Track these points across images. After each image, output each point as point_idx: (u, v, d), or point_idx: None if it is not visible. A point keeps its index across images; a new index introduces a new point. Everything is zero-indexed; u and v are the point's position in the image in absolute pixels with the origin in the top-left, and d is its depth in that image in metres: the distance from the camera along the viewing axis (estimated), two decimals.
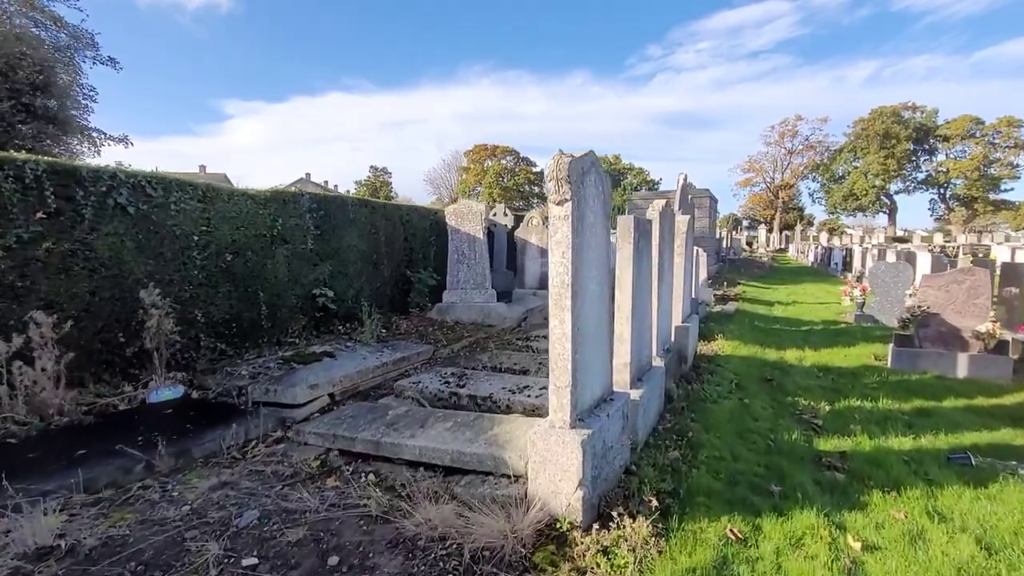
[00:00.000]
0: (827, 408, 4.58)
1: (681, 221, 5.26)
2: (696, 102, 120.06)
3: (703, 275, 11.09)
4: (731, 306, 10.36)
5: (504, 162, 64.85)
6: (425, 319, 7.95)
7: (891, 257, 14.52)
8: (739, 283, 15.93)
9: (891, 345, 6.43)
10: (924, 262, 11.28)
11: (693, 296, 8.11)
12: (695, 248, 8.52)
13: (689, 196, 7.11)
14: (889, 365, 6.32)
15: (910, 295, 9.75)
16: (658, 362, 4.09)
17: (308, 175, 66.59)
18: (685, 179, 6.88)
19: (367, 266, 7.45)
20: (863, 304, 9.73)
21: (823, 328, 8.83)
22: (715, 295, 11.81)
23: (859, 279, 17.47)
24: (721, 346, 6.48)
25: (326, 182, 68.23)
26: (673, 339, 4.92)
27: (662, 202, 4.27)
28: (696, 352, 5.81)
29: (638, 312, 3.51)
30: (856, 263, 18.95)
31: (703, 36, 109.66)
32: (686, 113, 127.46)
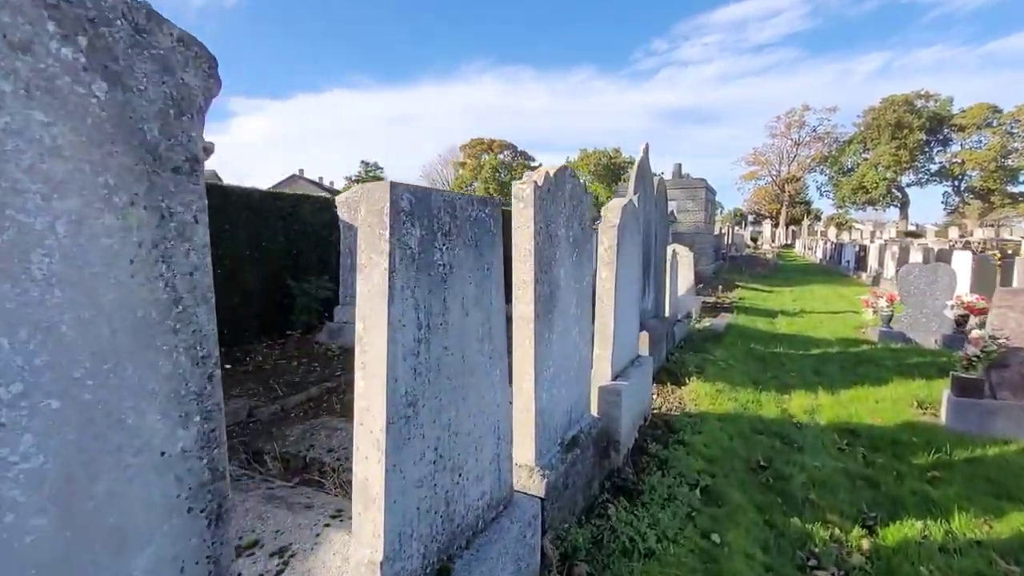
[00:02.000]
0: (864, 544, 2.53)
1: (612, 208, 3.19)
2: (701, 96, 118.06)
3: (687, 281, 9.02)
4: (722, 320, 8.29)
5: (501, 157, 62.91)
6: (308, 344, 5.95)
7: (916, 256, 12.38)
8: (737, 285, 13.83)
9: (946, 392, 4.37)
10: (963, 264, 9.15)
11: (667, 314, 6.05)
12: (670, 249, 6.46)
13: (654, 177, 5.03)
14: (944, 422, 4.26)
15: (952, 307, 7.66)
16: (532, 482, 2.06)
17: (301, 171, 64.89)
18: (646, 151, 4.81)
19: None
20: (890, 317, 7.64)
21: (840, 352, 6.74)
22: (704, 304, 9.72)
23: (876, 280, 15.37)
24: (695, 394, 4.42)
25: (321, 178, 66.50)
26: (595, 410, 2.88)
27: (550, 169, 2.22)
28: (648, 417, 3.73)
29: (434, 417, 1.47)
30: (871, 261, 16.78)
31: (709, 29, 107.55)
32: (690, 108, 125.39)
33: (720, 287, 12.66)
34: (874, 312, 7.93)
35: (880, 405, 4.67)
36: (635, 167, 4.64)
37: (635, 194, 4.52)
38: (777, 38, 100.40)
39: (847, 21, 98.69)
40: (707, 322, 8.11)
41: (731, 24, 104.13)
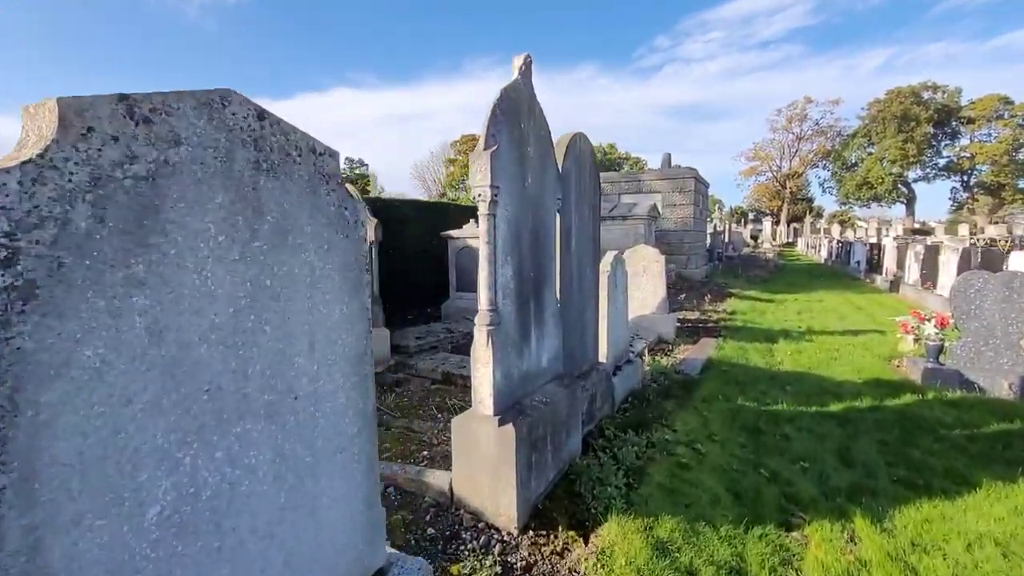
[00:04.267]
0: None
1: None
2: (704, 93, 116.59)
3: (656, 295, 6.73)
4: (702, 350, 5.99)
5: None
6: None
7: (950, 256, 10.05)
8: (731, 293, 11.54)
9: None
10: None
11: (603, 359, 3.79)
12: (611, 256, 4.19)
13: (568, 137, 2.64)
14: None
15: None
16: None
17: None
18: (526, 69, 2.50)
19: None
20: (940, 349, 5.34)
21: (874, 408, 4.45)
22: (683, 323, 7.43)
23: (894, 285, 13.00)
24: (605, 570, 2.13)
25: None
26: None
27: None
28: None
29: None
30: (888, 263, 14.45)
31: (713, 26, 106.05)
32: (696, 104, 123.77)
33: (709, 296, 10.37)
34: (916, 340, 5.65)
35: (981, 558, 2.39)
36: (495, 99, 2.35)
37: (489, 148, 2.23)
38: (782, 34, 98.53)
39: (853, 16, 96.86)
40: (680, 354, 5.81)
41: (735, 20, 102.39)
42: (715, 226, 28.85)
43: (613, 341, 4.04)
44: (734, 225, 40.62)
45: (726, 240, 27.38)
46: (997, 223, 40.11)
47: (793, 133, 51.95)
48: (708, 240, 20.97)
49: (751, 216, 60.86)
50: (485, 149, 2.21)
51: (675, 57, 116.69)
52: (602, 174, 19.50)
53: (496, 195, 2.24)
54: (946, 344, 5.40)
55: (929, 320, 5.36)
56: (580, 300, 3.38)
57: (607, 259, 4.02)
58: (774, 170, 53.89)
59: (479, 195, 2.23)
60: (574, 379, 3.06)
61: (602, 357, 3.83)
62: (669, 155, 19.15)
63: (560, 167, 2.99)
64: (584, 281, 3.44)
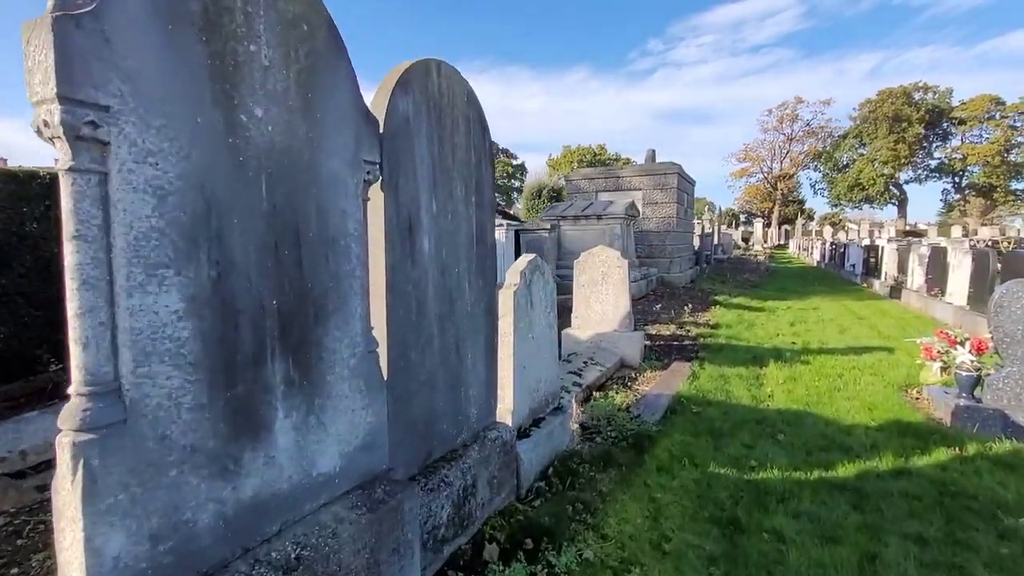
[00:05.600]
0: None
1: None
2: (698, 96, 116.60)
3: (619, 308, 5.46)
4: (673, 380, 4.71)
5: None
6: None
7: (961, 259, 8.86)
8: (716, 301, 10.29)
9: None
10: None
11: (510, 422, 2.48)
12: (521, 263, 2.90)
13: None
14: None
15: None
16: None
17: None
18: None
19: None
20: (976, 382, 4.11)
21: (896, 472, 3.18)
22: (654, 340, 6.16)
23: (895, 291, 11.79)
24: None
25: None
26: None
27: None
28: None
29: None
30: (887, 267, 13.30)
31: (704, 30, 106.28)
32: (688, 108, 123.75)
33: (691, 305, 9.12)
34: (943, 367, 4.42)
35: None
36: None
37: (74, 9, 0.92)
38: (773, 39, 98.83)
39: (842, 21, 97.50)
40: (643, 386, 4.52)
41: (726, 25, 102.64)
42: (703, 228, 27.77)
43: (527, 387, 2.75)
44: (724, 227, 39.66)
45: (715, 242, 26.27)
46: (987, 224, 39.52)
47: (784, 134, 51.06)
48: (696, 242, 19.80)
49: (742, 218, 60.03)
50: (55, 10, 0.92)
51: (667, 61, 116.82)
52: (579, 170, 18.20)
53: (98, 123, 0.95)
54: (982, 373, 4.17)
55: (963, 344, 4.11)
56: (450, 333, 2.09)
57: (517, 266, 2.74)
58: (765, 171, 52.98)
59: (44, 123, 0.93)
60: (409, 481, 1.76)
61: (502, 415, 2.54)
62: (653, 151, 17.91)
63: (384, 112, 1.71)
64: (459, 302, 2.15)
